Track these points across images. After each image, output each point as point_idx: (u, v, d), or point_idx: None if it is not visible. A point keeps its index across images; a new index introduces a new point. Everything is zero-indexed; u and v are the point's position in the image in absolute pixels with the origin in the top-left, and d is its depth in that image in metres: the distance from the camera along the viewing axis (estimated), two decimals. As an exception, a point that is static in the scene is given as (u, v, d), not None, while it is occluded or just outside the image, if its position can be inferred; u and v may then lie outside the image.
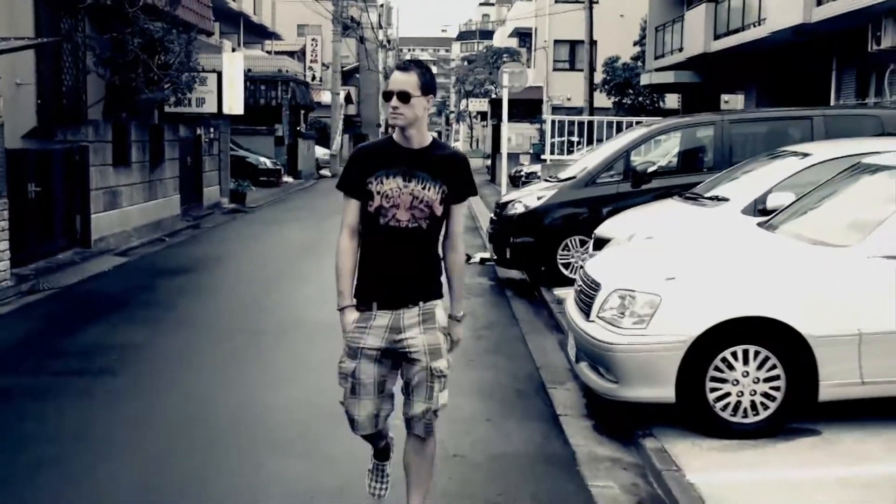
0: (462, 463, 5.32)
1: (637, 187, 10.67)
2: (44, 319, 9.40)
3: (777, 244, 6.28)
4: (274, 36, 43.90)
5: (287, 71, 34.46)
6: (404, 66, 3.99)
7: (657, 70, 28.84)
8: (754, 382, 5.45)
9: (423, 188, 3.93)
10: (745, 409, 5.47)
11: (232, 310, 9.93)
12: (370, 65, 55.65)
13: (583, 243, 10.56)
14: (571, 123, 19.82)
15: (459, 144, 71.33)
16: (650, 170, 10.89)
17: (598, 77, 33.83)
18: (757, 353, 5.45)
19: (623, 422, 5.87)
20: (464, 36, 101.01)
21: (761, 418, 5.48)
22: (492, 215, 12.44)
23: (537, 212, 11.10)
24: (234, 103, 20.69)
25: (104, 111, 15.62)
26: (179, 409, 6.31)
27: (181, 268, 12.81)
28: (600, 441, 5.76)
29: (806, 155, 8.57)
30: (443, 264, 4.15)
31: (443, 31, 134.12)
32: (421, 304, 4.01)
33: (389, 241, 3.95)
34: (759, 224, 7.00)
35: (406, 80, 3.90)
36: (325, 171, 38.53)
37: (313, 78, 43.96)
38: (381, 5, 65.29)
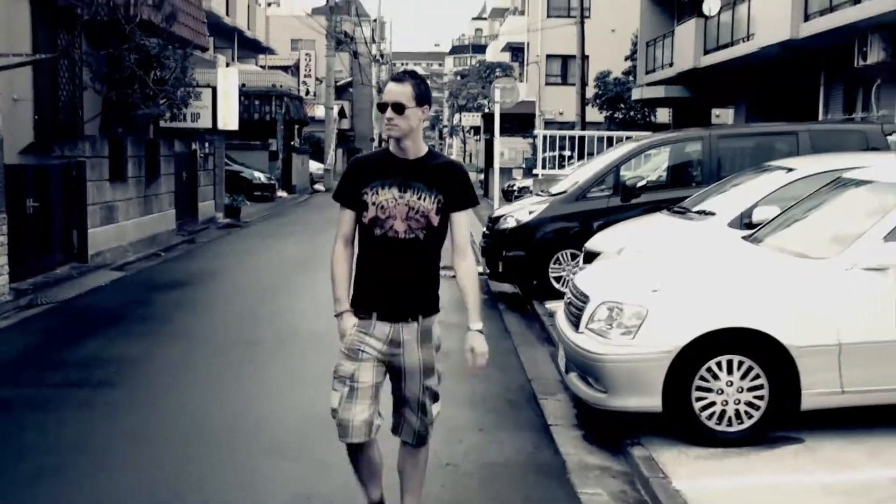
0: (455, 471, 5.46)
1: (627, 201, 10.84)
2: (42, 333, 9.52)
3: (760, 257, 6.45)
4: (268, 51, 44.19)
5: (281, 86, 34.66)
6: (399, 78, 4.00)
7: (648, 85, 29.10)
8: (738, 392, 5.61)
9: (419, 198, 3.95)
10: (730, 418, 5.63)
11: (228, 323, 10.06)
12: (364, 79, 55.86)
13: (574, 257, 10.72)
14: (563, 138, 20.00)
15: (453, 158, 71.44)
16: (640, 184, 11.07)
17: (590, 91, 34.06)
18: (741, 363, 5.61)
19: (612, 431, 6.01)
20: (457, 50, 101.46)
21: (746, 427, 5.64)
22: (484, 229, 12.61)
23: (529, 226, 11.27)
24: (229, 118, 20.83)
25: (100, 126, 15.77)
26: (177, 418, 6.44)
27: (177, 282, 12.94)
28: (590, 450, 5.91)
29: (791, 170, 8.75)
30: (456, 276, 4.10)
31: (436, 45, 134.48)
32: (420, 318, 4.03)
33: (387, 251, 3.96)
34: (744, 237, 7.17)
35: (401, 91, 3.92)
36: (319, 186, 38.69)
37: (307, 92, 44.17)
38: (375, 20, 65.58)
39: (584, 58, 30.09)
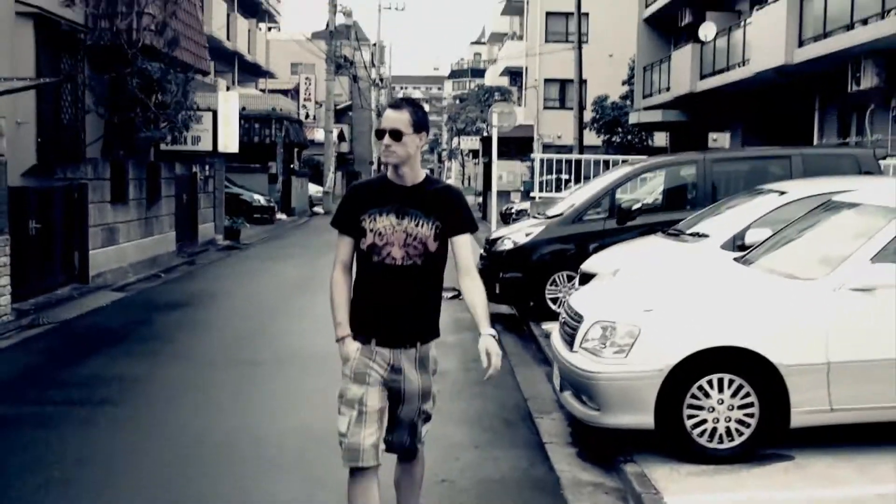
0: (451, 487, 5.56)
1: (622, 224, 10.98)
2: (45, 353, 9.63)
3: (751, 278, 6.58)
4: (268, 74, 44.51)
5: (281, 109, 34.91)
6: (396, 105, 4.03)
7: (645, 109, 29.35)
8: (729, 409, 5.72)
9: (417, 225, 3.97)
10: (721, 436, 5.73)
11: (228, 344, 10.17)
12: (363, 103, 56.22)
13: (570, 278, 10.84)
14: (559, 161, 20.20)
15: (451, 182, 71.78)
16: (635, 207, 11.23)
17: (588, 115, 34.34)
18: (731, 382, 5.72)
19: (606, 448, 6.12)
20: (456, 74, 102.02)
21: (736, 444, 5.74)
22: (481, 251, 12.74)
23: (525, 248, 11.40)
24: (229, 141, 21.00)
25: (102, 149, 15.93)
26: (178, 436, 6.55)
27: (177, 303, 13.06)
28: (584, 467, 6.01)
29: (783, 193, 8.91)
30: (463, 293, 4.09)
31: (435, 69, 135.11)
32: (419, 345, 4.06)
33: (384, 278, 3.98)
34: (736, 259, 7.30)
35: (398, 118, 3.95)
36: (318, 209, 38.88)
37: (307, 116, 44.44)
38: (374, 44, 66.03)
39: (582, 82, 30.38)
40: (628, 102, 34.06)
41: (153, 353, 9.56)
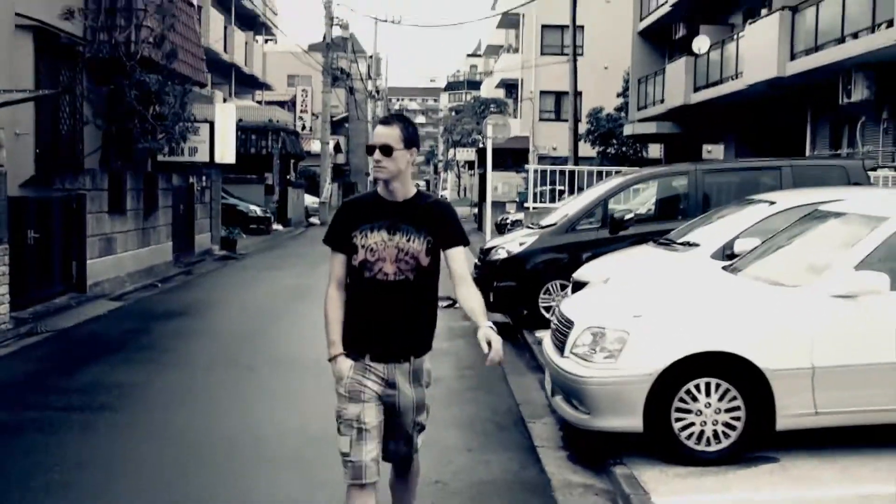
0: (443, 489, 5.68)
1: (615, 234, 11.12)
2: (44, 360, 9.73)
3: (738, 285, 6.72)
4: (265, 86, 44.69)
5: (277, 121, 35.06)
6: (387, 121, 4.07)
7: (640, 121, 29.55)
8: (716, 413, 5.85)
9: (408, 240, 3.99)
10: (709, 438, 5.86)
11: (225, 351, 10.28)
12: (359, 114, 56.47)
13: (563, 287, 10.96)
14: (554, 172, 20.36)
15: (448, 193, 72.08)
16: (627, 217, 11.35)
17: (583, 127, 34.52)
18: (718, 386, 5.86)
19: (596, 451, 6.24)
20: (452, 86, 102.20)
21: (723, 446, 5.87)
22: (476, 260, 12.88)
23: (519, 257, 11.54)
24: (226, 152, 21.14)
25: (100, 160, 16.07)
26: (177, 439, 6.67)
27: (175, 312, 13.17)
28: (574, 469, 6.14)
29: (773, 203, 9.07)
30: (459, 301, 4.12)
31: (431, 81, 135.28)
32: (412, 359, 4.08)
33: (377, 293, 4.00)
34: (724, 267, 7.44)
35: (389, 134, 3.98)
36: (314, 220, 39.00)
37: (303, 127, 44.60)
38: (371, 56, 66.27)
39: (577, 94, 30.56)
40: (623, 114, 34.26)
41: (151, 360, 9.67)
